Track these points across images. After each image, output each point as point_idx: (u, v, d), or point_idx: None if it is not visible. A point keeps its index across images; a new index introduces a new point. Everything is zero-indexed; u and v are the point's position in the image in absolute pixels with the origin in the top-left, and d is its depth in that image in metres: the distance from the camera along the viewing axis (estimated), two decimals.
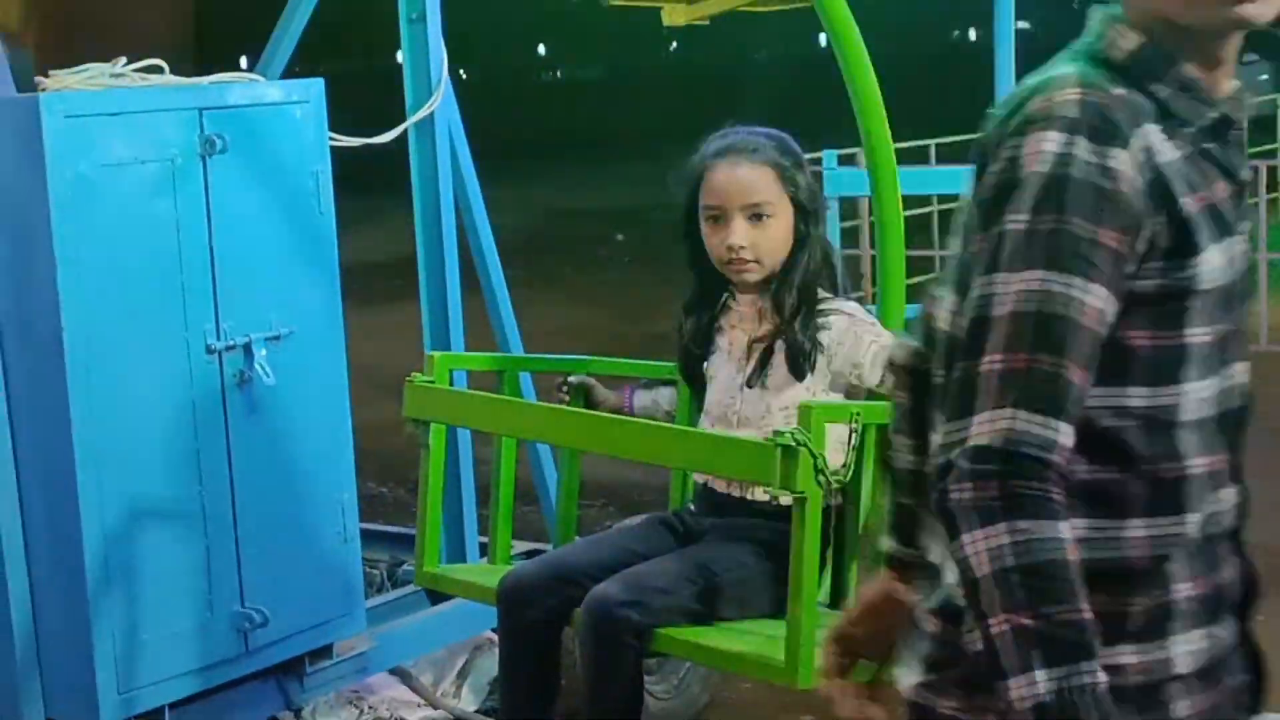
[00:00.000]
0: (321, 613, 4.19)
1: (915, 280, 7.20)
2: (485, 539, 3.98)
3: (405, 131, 4.76)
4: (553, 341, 6.65)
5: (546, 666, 3.38)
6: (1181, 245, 1.75)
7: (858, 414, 3.01)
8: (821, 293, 3.39)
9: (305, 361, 4.10)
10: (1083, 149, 1.71)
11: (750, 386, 3.38)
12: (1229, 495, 1.85)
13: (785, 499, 2.97)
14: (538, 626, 3.33)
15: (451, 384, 3.73)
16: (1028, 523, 1.66)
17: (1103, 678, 1.65)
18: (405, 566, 4.91)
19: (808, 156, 3.54)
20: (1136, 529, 1.78)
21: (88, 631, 3.72)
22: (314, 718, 4.43)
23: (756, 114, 3.83)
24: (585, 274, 15.12)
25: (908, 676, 1.91)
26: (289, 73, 4.79)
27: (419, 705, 4.63)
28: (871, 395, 3.29)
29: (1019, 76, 7.30)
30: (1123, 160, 1.72)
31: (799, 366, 3.32)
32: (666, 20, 7.18)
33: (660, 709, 4.58)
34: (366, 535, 4.53)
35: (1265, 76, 27.59)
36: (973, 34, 57.55)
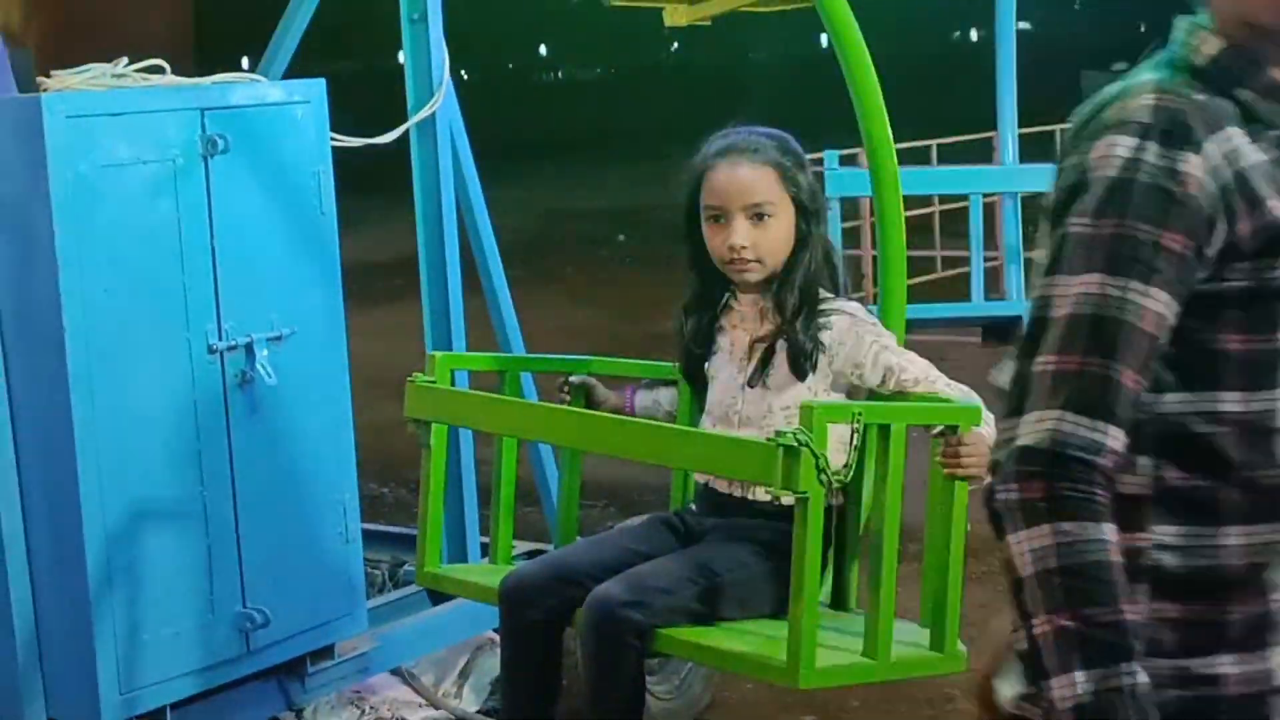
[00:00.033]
0: (323, 613, 4.19)
1: (916, 281, 7.21)
2: (486, 539, 3.97)
3: (407, 132, 4.76)
4: (554, 341, 6.65)
5: (548, 667, 3.38)
6: (1271, 246, 1.75)
7: (859, 414, 3.01)
8: (823, 293, 3.39)
9: (307, 362, 4.10)
10: (1152, 153, 1.72)
11: (752, 386, 3.38)
12: None
13: (787, 499, 2.97)
14: (539, 627, 3.33)
15: (453, 384, 3.73)
16: (1071, 525, 1.67)
17: (1143, 679, 1.66)
18: (406, 567, 4.91)
19: (809, 157, 3.54)
20: (1233, 537, 1.78)
21: (89, 632, 3.72)
22: (315, 718, 4.43)
23: (758, 114, 3.83)
24: (586, 274, 15.12)
25: (1008, 688, 1.91)
26: (290, 73, 4.79)
27: (420, 705, 4.63)
28: (872, 395, 3.29)
29: (1020, 77, 7.29)
30: (1193, 164, 1.72)
31: (800, 366, 3.32)
32: (668, 21, 7.20)
33: (662, 709, 4.58)
34: (368, 535, 4.53)
35: None
36: (974, 34, 57.58)
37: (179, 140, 3.83)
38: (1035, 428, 1.70)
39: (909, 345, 3.40)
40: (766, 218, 3.35)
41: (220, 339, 3.92)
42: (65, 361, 3.64)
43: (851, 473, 3.05)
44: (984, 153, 11.03)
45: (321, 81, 4.16)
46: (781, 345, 3.35)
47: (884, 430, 3.04)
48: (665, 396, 3.72)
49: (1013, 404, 1.74)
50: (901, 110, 4.29)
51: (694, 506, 3.52)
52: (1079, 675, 1.65)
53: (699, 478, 3.50)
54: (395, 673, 4.65)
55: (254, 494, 4.01)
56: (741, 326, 3.45)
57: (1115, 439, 1.70)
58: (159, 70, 3.98)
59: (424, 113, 4.71)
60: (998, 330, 6.59)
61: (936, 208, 11.52)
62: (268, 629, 4.01)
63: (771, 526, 3.27)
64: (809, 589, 2.93)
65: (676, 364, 3.61)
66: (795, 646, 2.95)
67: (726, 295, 3.48)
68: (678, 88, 41.73)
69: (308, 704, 4.34)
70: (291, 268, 4.08)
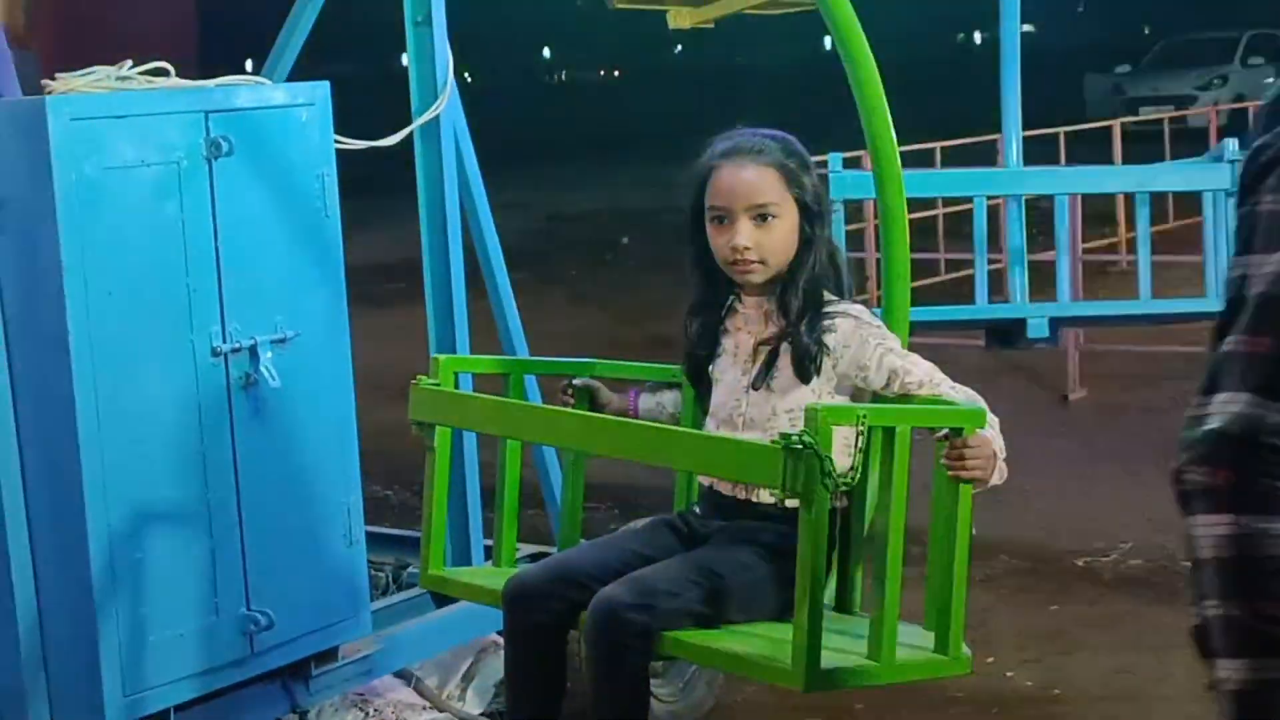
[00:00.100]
0: (327, 615, 4.19)
1: (919, 283, 7.20)
2: (490, 542, 3.97)
3: (411, 134, 4.76)
4: (557, 344, 6.65)
5: (552, 670, 3.37)
6: None
7: (864, 416, 3.00)
8: (827, 295, 3.39)
9: (311, 364, 4.10)
10: None
11: (756, 389, 3.38)
12: None
13: (791, 501, 2.97)
14: (543, 629, 3.33)
15: (457, 386, 3.73)
16: (1251, 516, 1.67)
17: None
18: (410, 569, 4.92)
19: (813, 159, 3.54)
20: None
21: (93, 634, 3.72)
22: None
23: (762, 117, 3.83)
24: (590, 277, 15.12)
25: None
26: (294, 76, 4.79)
27: (424, 708, 4.63)
28: (876, 398, 3.29)
29: (1024, 80, 7.26)
30: None
31: (805, 369, 3.31)
32: (672, 23, 7.19)
33: (666, 712, 4.58)
34: (372, 538, 4.53)
35: (1271, 79, 27.59)
36: (978, 37, 57.57)
37: (183, 143, 3.83)
38: (1224, 410, 1.68)
39: (912, 348, 3.40)
40: (770, 219, 3.35)
41: (224, 341, 3.92)
42: (69, 364, 3.64)
43: (857, 475, 3.05)
44: (988, 155, 11.02)
45: (325, 84, 4.16)
46: (786, 348, 3.35)
47: (888, 433, 3.04)
48: (669, 399, 3.72)
49: (1206, 381, 1.72)
50: (905, 113, 4.29)
51: (698, 509, 3.51)
52: (1242, 663, 1.66)
53: (703, 480, 3.50)
54: (399, 675, 4.65)
55: (258, 496, 4.01)
56: (746, 329, 3.44)
57: None
58: (163, 73, 3.98)
59: (428, 115, 4.71)
60: (1001, 333, 6.58)
61: (940, 210, 11.52)
62: (272, 631, 4.01)
63: (776, 529, 3.27)
64: (813, 591, 2.93)
65: (680, 366, 3.61)
66: (800, 649, 2.94)
67: (731, 298, 3.48)
68: (681, 90, 41.73)
69: (312, 706, 4.34)
70: (295, 270, 4.09)
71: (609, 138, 32.50)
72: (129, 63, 3.93)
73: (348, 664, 4.32)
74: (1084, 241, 10.33)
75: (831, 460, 2.87)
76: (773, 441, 2.93)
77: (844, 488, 3.01)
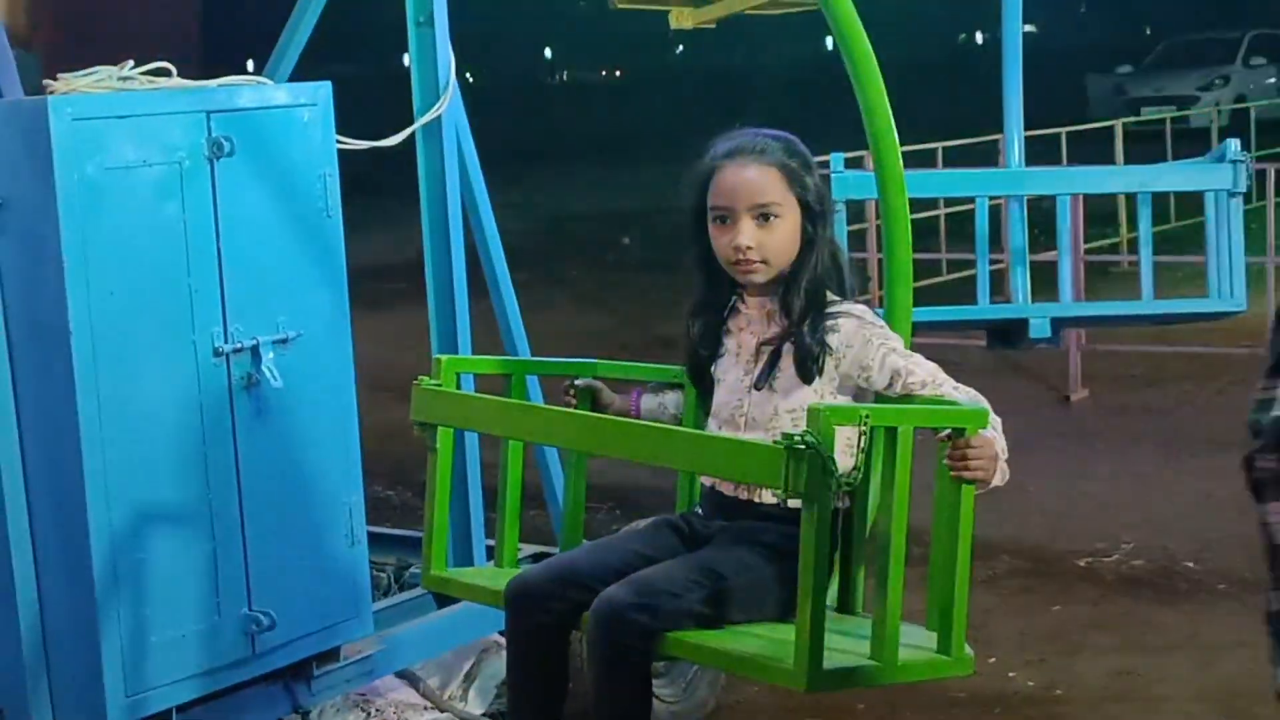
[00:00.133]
0: (329, 616, 4.19)
1: (921, 284, 7.20)
2: (492, 542, 3.97)
3: (413, 135, 4.76)
4: (559, 345, 6.65)
5: (553, 670, 3.37)
6: None
7: (866, 416, 3.00)
8: (830, 295, 3.39)
9: (313, 364, 4.10)
10: None
11: (758, 389, 3.38)
12: None
13: (793, 502, 2.97)
14: (545, 630, 3.33)
15: (459, 387, 3.73)
16: None
17: None
18: (412, 569, 4.92)
19: (815, 159, 3.54)
20: None
21: (95, 634, 3.72)
22: None
23: (763, 116, 3.83)
24: (591, 277, 15.12)
25: None
26: (296, 76, 4.79)
27: (426, 708, 4.63)
28: (879, 398, 3.29)
29: (1026, 79, 7.24)
30: None
31: (807, 369, 3.31)
32: (673, 23, 7.19)
33: (668, 712, 4.58)
34: (374, 538, 4.54)
35: (1273, 80, 27.59)
36: (979, 37, 57.55)
37: (185, 143, 3.83)
38: None
39: (913, 348, 3.40)
40: (773, 218, 3.35)
41: (226, 341, 3.92)
42: (71, 364, 3.64)
43: (859, 476, 3.05)
44: (989, 156, 11.02)
45: (327, 84, 4.16)
46: (788, 348, 3.35)
47: (891, 433, 3.04)
48: (671, 400, 3.72)
49: (1273, 361, 1.71)
50: (907, 113, 4.29)
51: (700, 509, 3.51)
52: None
53: (705, 480, 3.50)
54: (401, 675, 4.65)
55: (260, 497, 4.01)
56: (748, 329, 3.44)
57: None
58: (165, 73, 3.98)
59: (430, 116, 4.71)
60: (1002, 333, 6.57)
61: (942, 210, 11.52)
62: (273, 632, 4.01)
63: (778, 529, 3.27)
64: (815, 592, 2.92)
65: (682, 367, 3.61)
66: (802, 649, 2.94)
67: (733, 298, 3.48)
68: (683, 90, 41.74)
69: (313, 707, 4.34)
70: (297, 270, 4.09)
71: (611, 138, 32.51)
72: (131, 63, 3.93)
73: (349, 664, 4.32)
74: (1086, 242, 10.33)
75: (834, 460, 2.87)
76: (775, 442, 2.93)
77: (846, 488, 3.01)
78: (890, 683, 3.20)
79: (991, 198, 6.81)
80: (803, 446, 2.85)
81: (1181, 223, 12.54)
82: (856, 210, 9.87)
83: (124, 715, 3.77)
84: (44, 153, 3.60)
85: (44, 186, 3.61)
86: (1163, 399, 8.88)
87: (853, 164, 6.23)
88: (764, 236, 3.34)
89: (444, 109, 4.71)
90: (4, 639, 3.79)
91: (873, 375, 3.28)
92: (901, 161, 3.68)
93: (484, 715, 4.69)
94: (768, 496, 3.30)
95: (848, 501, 3.29)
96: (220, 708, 4.03)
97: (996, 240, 6.98)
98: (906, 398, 3.24)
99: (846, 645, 3.13)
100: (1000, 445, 3.10)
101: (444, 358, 3.69)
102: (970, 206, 6.88)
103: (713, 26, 7.44)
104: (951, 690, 4.90)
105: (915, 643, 3.16)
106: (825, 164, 5.80)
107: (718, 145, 3.44)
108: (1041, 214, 7.50)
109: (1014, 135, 6.65)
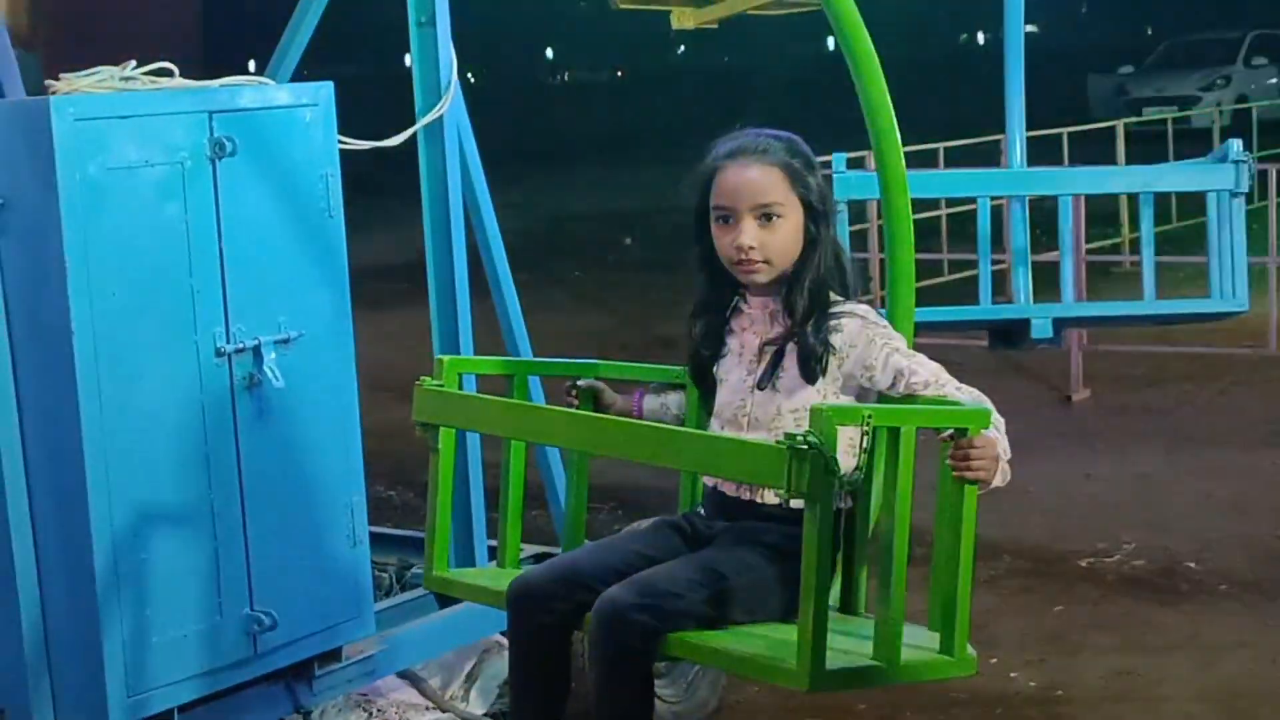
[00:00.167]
0: (330, 616, 4.19)
1: (923, 284, 7.20)
2: (494, 542, 3.97)
3: (414, 135, 4.76)
4: (561, 345, 6.66)
5: (555, 671, 3.37)
6: None
7: (869, 416, 3.00)
8: (832, 295, 3.39)
9: (314, 364, 4.10)
10: None
11: (761, 389, 3.38)
12: None
13: (796, 502, 2.97)
14: (547, 630, 3.33)
15: (460, 387, 3.73)
16: None
17: None
18: (414, 570, 4.91)
19: (817, 159, 3.54)
20: None
21: (97, 634, 3.72)
22: None
23: (765, 117, 3.83)
24: (593, 278, 15.12)
25: None
26: (298, 76, 4.79)
27: (428, 709, 4.63)
28: (882, 398, 3.29)
29: (1027, 79, 7.25)
30: None
31: (810, 369, 3.31)
32: (675, 23, 7.20)
33: (670, 713, 4.58)
34: (375, 538, 4.53)
35: (1274, 80, 27.58)
36: (981, 38, 57.54)
37: (187, 143, 3.83)
38: None
39: (915, 349, 3.40)
40: (775, 218, 3.35)
41: (228, 342, 3.92)
42: (73, 364, 3.64)
43: (862, 476, 3.05)
44: (991, 156, 11.03)
45: (329, 84, 4.16)
46: (791, 348, 3.35)
47: (893, 433, 3.04)
48: (673, 400, 3.72)
49: None
50: (909, 114, 4.29)
51: (702, 510, 3.51)
52: None
53: (707, 481, 3.50)
54: (403, 676, 4.65)
55: (261, 497, 4.01)
56: (751, 329, 3.44)
57: None
58: (167, 73, 3.98)
59: (431, 116, 4.71)
60: (1004, 334, 6.57)
61: (944, 211, 11.52)
62: (275, 632, 4.01)
63: (780, 530, 3.27)
64: (818, 592, 2.92)
65: (684, 367, 3.61)
66: (804, 649, 2.94)
67: (736, 298, 3.48)
68: (685, 91, 41.74)
69: (315, 707, 4.34)
70: (299, 271, 4.09)
71: (612, 138, 32.52)
72: (133, 63, 3.93)
73: (351, 664, 4.32)
74: (1088, 242, 10.32)
75: (836, 460, 2.87)
76: (777, 442, 2.93)
77: (849, 488, 3.01)
78: (892, 683, 3.20)
79: (993, 198, 6.82)
80: (805, 447, 2.84)
81: (1183, 223, 12.53)
82: (858, 210, 9.88)
83: (125, 715, 3.77)
84: (46, 153, 3.60)
85: (46, 187, 3.61)
86: (1164, 399, 8.87)
87: (855, 164, 6.23)
88: (766, 236, 3.34)
89: (445, 109, 4.70)
90: (6, 639, 3.79)
91: (876, 375, 3.28)
92: (904, 161, 3.68)
93: (485, 715, 4.69)
94: (770, 497, 3.31)
95: (850, 502, 3.29)
96: (222, 708, 4.03)
97: (998, 240, 6.99)
98: (909, 398, 3.24)
99: (849, 645, 3.13)
100: (1003, 446, 3.10)
101: (446, 358, 3.69)
102: (972, 207, 6.88)
103: (714, 27, 7.44)
104: (953, 690, 4.90)
105: (917, 643, 3.16)
106: (827, 164, 5.80)
107: (720, 145, 3.44)
108: (1043, 214, 7.50)
109: (1016, 135, 6.66)
